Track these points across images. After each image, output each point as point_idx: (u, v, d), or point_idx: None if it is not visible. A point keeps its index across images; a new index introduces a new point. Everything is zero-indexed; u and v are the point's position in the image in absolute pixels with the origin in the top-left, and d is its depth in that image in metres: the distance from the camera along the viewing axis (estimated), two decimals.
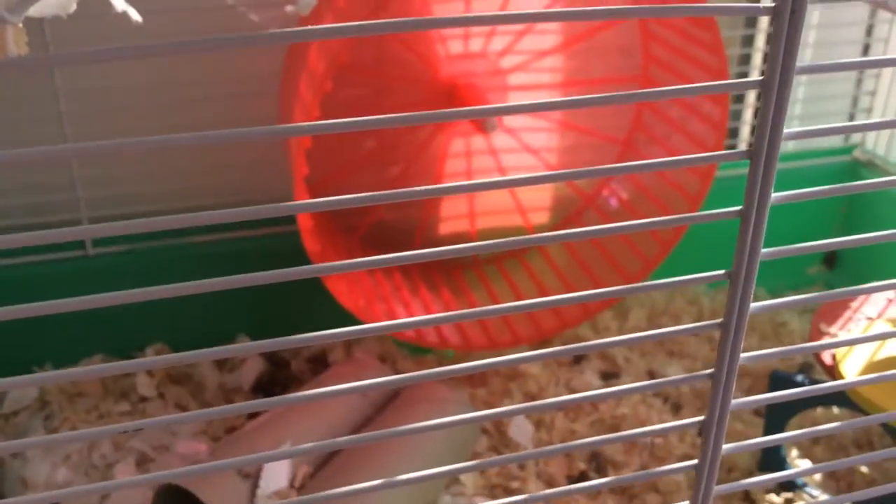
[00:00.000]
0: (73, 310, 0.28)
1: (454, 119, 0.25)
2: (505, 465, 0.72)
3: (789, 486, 0.71)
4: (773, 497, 0.71)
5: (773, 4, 0.22)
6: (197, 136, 0.26)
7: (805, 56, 0.96)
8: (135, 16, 0.48)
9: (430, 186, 0.27)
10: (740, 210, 0.26)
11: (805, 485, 0.72)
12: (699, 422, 0.30)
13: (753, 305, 0.28)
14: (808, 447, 0.77)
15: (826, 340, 0.30)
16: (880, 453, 0.39)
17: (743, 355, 0.29)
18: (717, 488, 0.32)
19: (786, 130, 0.24)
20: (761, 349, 0.88)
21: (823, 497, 0.71)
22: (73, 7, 0.46)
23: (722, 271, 0.27)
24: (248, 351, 0.27)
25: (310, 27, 0.27)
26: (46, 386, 0.74)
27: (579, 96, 0.26)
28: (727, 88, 0.24)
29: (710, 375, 0.29)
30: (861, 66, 0.26)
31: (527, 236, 0.29)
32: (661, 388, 0.36)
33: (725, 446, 0.31)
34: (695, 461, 0.31)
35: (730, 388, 0.29)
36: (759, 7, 0.23)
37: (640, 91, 0.25)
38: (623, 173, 0.27)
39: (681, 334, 0.28)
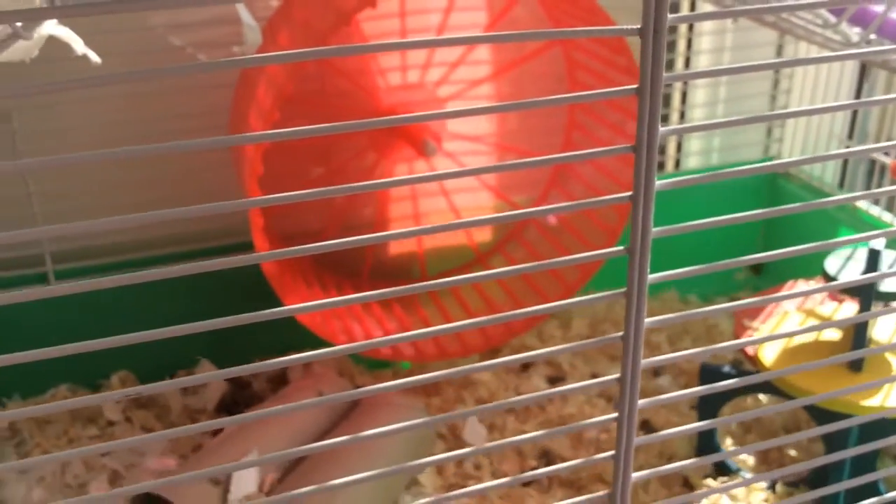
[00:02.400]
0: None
1: (392, 125, 0.30)
2: (461, 464, 0.77)
3: (725, 470, 0.77)
4: (710, 481, 0.77)
5: (639, 27, 0.28)
6: (149, 148, 0.30)
7: (723, 58, 1.03)
8: (94, 57, 0.53)
9: (375, 181, 0.32)
10: (631, 195, 0.31)
11: (739, 469, 0.78)
12: (616, 378, 0.35)
13: (651, 276, 0.33)
14: (741, 435, 0.83)
15: (701, 309, 0.36)
16: (803, 433, 0.45)
17: (647, 320, 0.34)
18: (638, 440, 0.38)
19: (662, 128, 0.30)
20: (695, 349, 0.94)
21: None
22: (36, 52, 0.50)
23: (622, 247, 0.33)
24: (213, 378, 0.32)
25: (260, 55, 0.32)
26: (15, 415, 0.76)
27: (503, 105, 0.31)
28: (602, 96, 0.30)
29: (622, 338, 0.35)
30: (726, 73, 0.32)
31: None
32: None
33: (641, 401, 0.36)
34: (615, 414, 0.37)
35: (639, 346, 0.34)
36: (627, 28, 0.29)
37: (540, 99, 0.30)
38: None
39: (583, 304, 0.34)
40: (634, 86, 0.29)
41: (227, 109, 0.80)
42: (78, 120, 0.79)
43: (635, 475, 0.39)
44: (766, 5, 0.34)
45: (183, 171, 0.83)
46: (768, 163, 0.36)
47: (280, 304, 0.71)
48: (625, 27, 0.28)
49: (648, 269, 0.33)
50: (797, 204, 0.38)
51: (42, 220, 0.79)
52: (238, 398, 0.80)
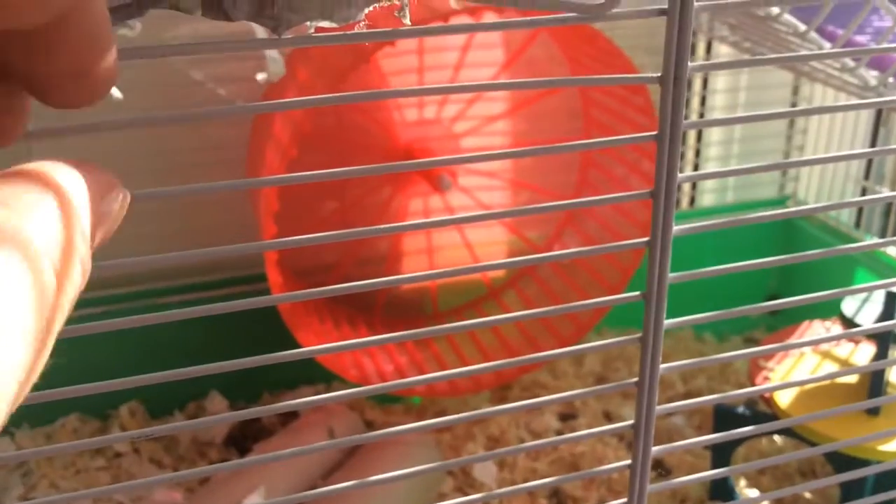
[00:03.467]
0: None
1: (409, 169, 0.30)
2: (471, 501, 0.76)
3: None
4: None
5: (659, 75, 0.28)
6: (168, 191, 0.30)
7: (738, 98, 1.03)
8: (116, 94, 0.53)
9: (392, 225, 0.32)
10: (647, 241, 0.31)
11: None
12: (630, 425, 0.35)
13: (667, 322, 0.33)
14: (755, 476, 0.82)
15: (718, 356, 0.35)
16: (821, 481, 0.44)
17: (662, 366, 0.34)
18: (651, 487, 0.37)
19: (680, 175, 0.30)
20: (710, 388, 0.94)
21: None
22: None
23: (637, 293, 0.33)
24: (223, 420, 0.32)
25: (281, 100, 0.32)
26: (23, 444, 0.76)
27: (524, 150, 0.31)
28: (621, 142, 0.30)
29: (636, 384, 0.34)
30: (746, 120, 0.32)
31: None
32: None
33: (655, 448, 0.36)
34: (628, 461, 0.36)
35: (653, 393, 0.34)
36: (647, 76, 0.28)
37: (559, 145, 0.30)
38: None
39: (601, 349, 0.33)
40: (654, 133, 0.29)
41: (244, 142, 0.80)
42: (94, 150, 0.80)
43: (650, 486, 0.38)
44: (788, 54, 0.34)
45: (196, 202, 0.83)
46: (786, 209, 0.35)
47: (292, 339, 0.71)
48: (645, 75, 0.28)
49: (665, 315, 0.33)
50: (816, 251, 0.37)
51: None
52: (247, 432, 0.79)
